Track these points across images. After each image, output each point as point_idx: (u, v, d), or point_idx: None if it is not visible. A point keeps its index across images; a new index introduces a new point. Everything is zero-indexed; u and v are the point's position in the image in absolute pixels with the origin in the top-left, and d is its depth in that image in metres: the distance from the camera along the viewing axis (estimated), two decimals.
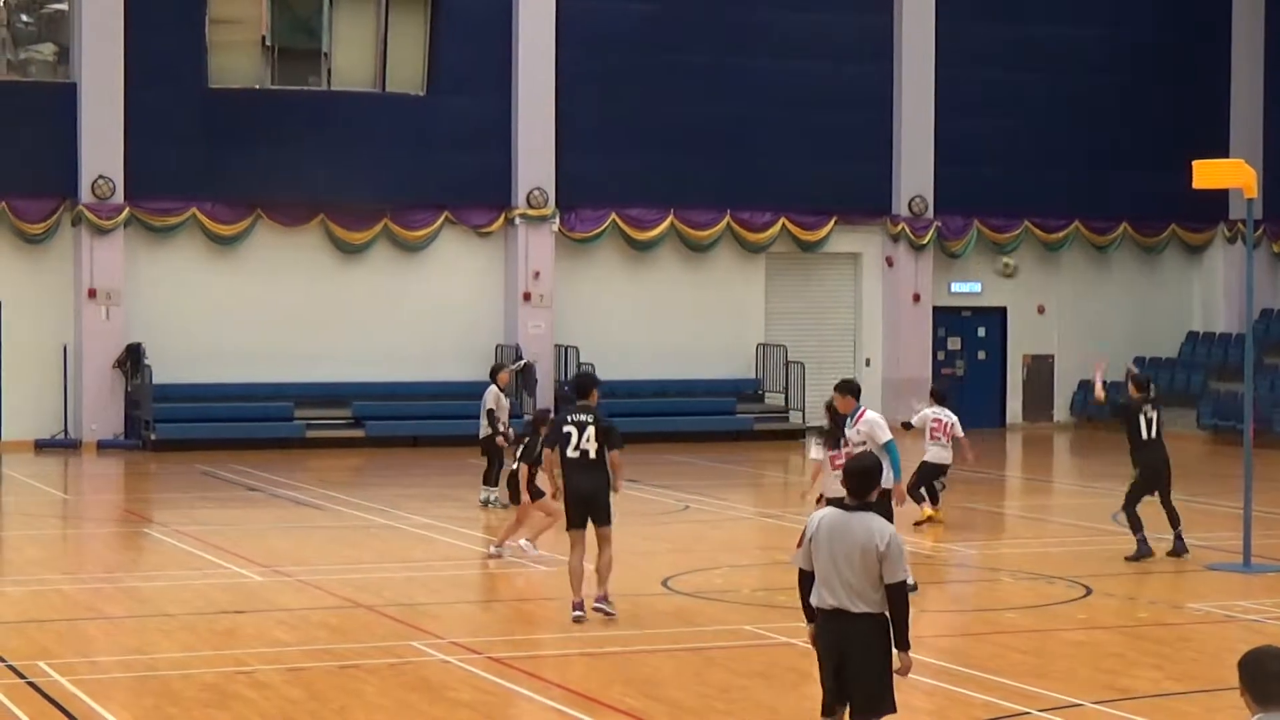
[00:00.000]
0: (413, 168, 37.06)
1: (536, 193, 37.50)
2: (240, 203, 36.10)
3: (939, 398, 23.98)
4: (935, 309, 40.69)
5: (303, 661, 14.98)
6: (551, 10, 37.53)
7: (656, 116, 38.34)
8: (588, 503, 16.79)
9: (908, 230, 39.99)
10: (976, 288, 41.45)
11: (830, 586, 10.22)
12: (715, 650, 15.49)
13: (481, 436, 25.52)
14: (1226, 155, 37.76)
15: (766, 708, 13.34)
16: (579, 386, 17.55)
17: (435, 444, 34.33)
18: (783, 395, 38.81)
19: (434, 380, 36.84)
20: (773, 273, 39.95)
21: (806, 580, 10.44)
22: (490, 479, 25.50)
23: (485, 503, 25.43)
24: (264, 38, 36.77)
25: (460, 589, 19.19)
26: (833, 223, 39.74)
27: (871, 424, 18.89)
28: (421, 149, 37.08)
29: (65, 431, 35.28)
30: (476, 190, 37.54)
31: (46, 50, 36.53)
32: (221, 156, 35.91)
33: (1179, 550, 20.77)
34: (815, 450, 18.76)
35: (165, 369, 35.11)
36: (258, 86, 36.61)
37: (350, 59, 37.34)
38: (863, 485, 10.35)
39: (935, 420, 23.43)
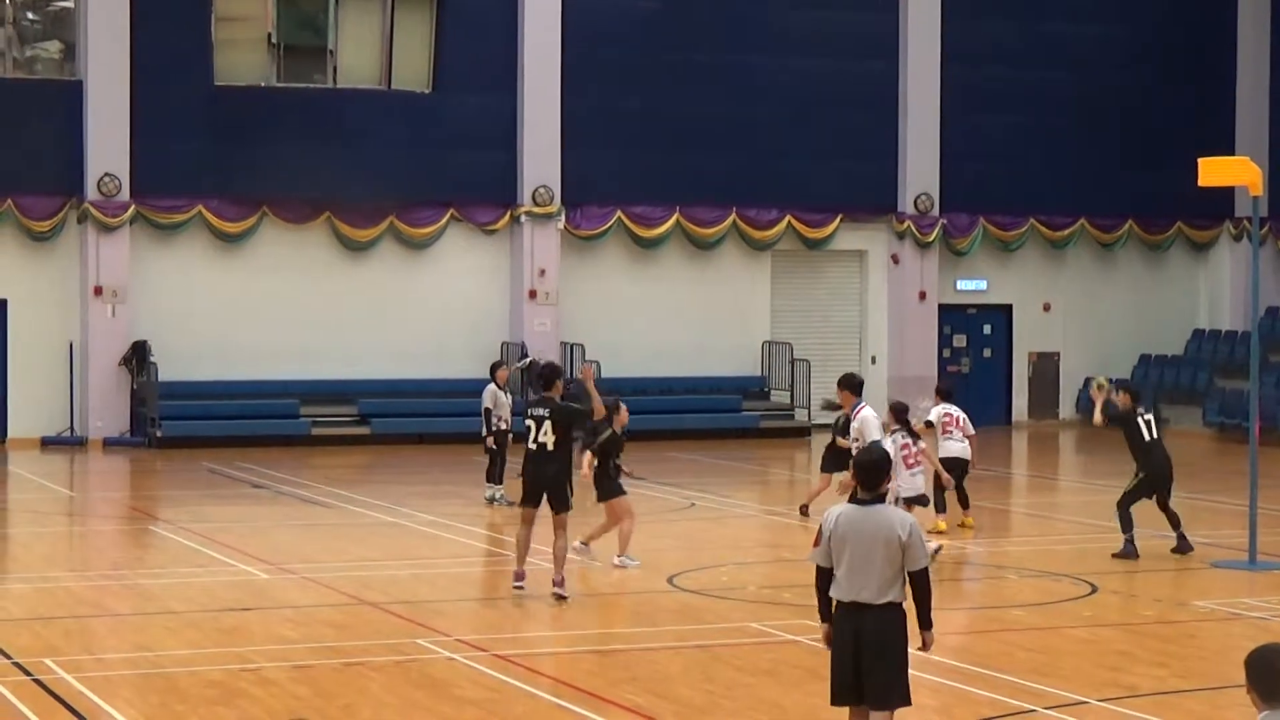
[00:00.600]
0: (418, 165, 37.06)
1: (542, 190, 37.51)
2: (246, 200, 36.11)
3: (945, 395, 23.95)
4: (941, 306, 40.68)
5: (308, 659, 14.98)
6: (557, 8, 37.53)
7: (662, 114, 38.34)
8: (548, 490, 17.71)
9: (913, 228, 39.98)
10: (982, 285, 41.44)
11: (852, 580, 10.29)
12: (721, 647, 15.49)
13: (482, 435, 25.51)
14: (1232, 153, 37.72)
15: (773, 705, 13.34)
16: (542, 379, 18.36)
17: (441, 441, 34.34)
18: (788, 393, 38.80)
19: (440, 378, 36.84)
20: (778, 270, 39.95)
21: (825, 577, 10.48)
22: (493, 476, 25.49)
23: (491, 500, 25.44)
24: (270, 35, 36.79)
25: (466, 586, 19.19)
26: (838, 220, 39.73)
27: (863, 421, 19.05)
28: (427, 147, 37.09)
29: (71, 429, 35.31)
30: (482, 188, 37.55)
31: (52, 48, 36.56)
32: (227, 154, 35.93)
33: (1184, 548, 20.76)
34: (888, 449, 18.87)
35: (171, 366, 35.13)
36: (263, 84, 36.63)
37: (356, 57, 37.35)
38: (873, 478, 10.43)
39: (947, 415, 23.39)
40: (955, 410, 23.51)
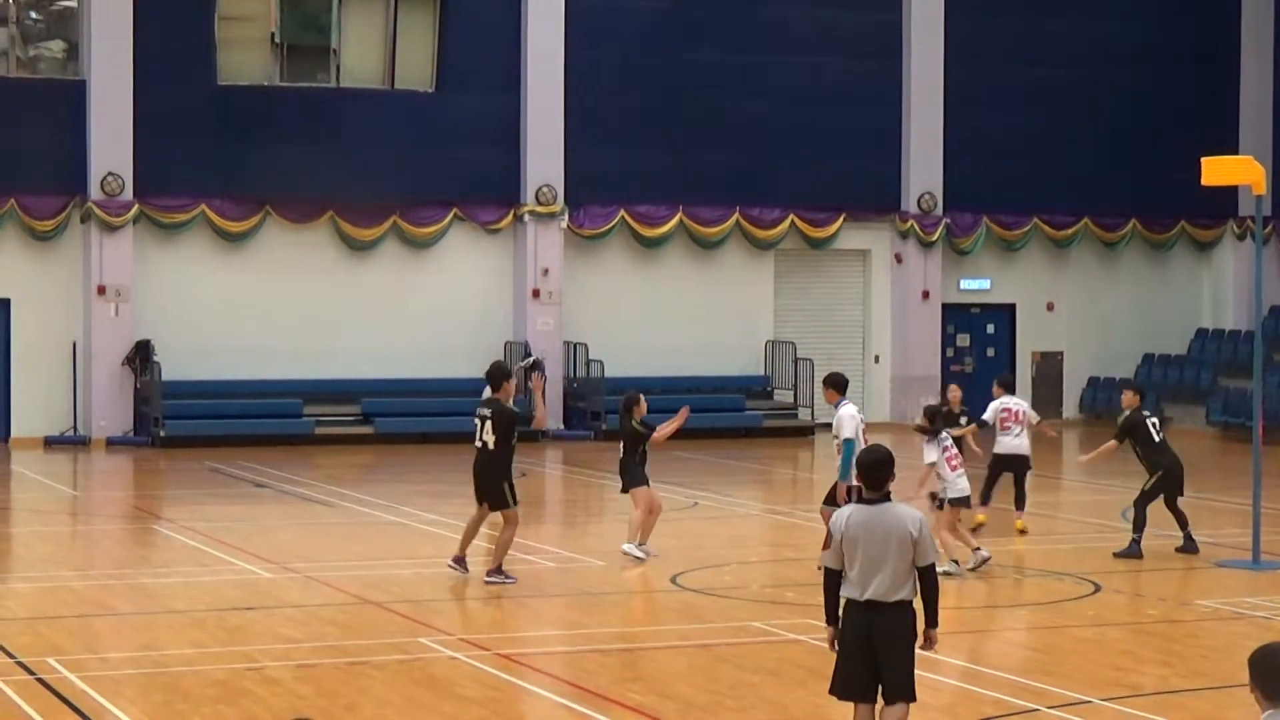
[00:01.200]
0: (422, 165, 37.07)
1: (545, 189, 37.51)
2: (249, 199, 36.13)
3: (1008, 386, 23.65)
4: (944, 306, 40.68)
5: (311, 658, 14.99)
6: (560, 7, 37.54)
7: (665, 113, 38.34)
8: (486, 489, 18.45)
9: (917, 227, 39.98)
10: (986, 284, 41.44)
11: (865, 580, 10.34)
12: (724, 647, 15.49)
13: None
14: (1236, 152, 37.73)
15: (776, 704, 13.33)
16: (490, 379, 18.93)
17: (444, 441, 34.31)
18: (792, 392, 38.80)
19: (443, 377, 36.84)
20: (782, 269, 39.95)
21: (834, 579, 10.51)
22: None
23: None
24: (273, 34, 36.80)
25: (469, 585, 19.19)
26: (842, 219, 39.74)
27: (838, 418, 19.03)
28: (430, 146, 37.10)
29: (75, 428, 35.32)
30: (485, 187, 37.55)
31: (56, 47, 36.57)
32: (230, 153, 35.94)
33: (1191, 549, 20.73)
34: (930, 453, 18.95)
35: (174, 365, 35.14)
36: (267, 83, 36.64)
37: (359, 56, 37.36)
38: (878, 477, 10.46)
39: (1005, 410, 22.96)
40: (1016, 403, 23.17)
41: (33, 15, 36.56)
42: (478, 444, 18.55)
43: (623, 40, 38.14)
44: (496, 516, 18.77)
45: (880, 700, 10.51)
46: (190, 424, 34.80)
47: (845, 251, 40.41)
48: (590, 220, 38.17)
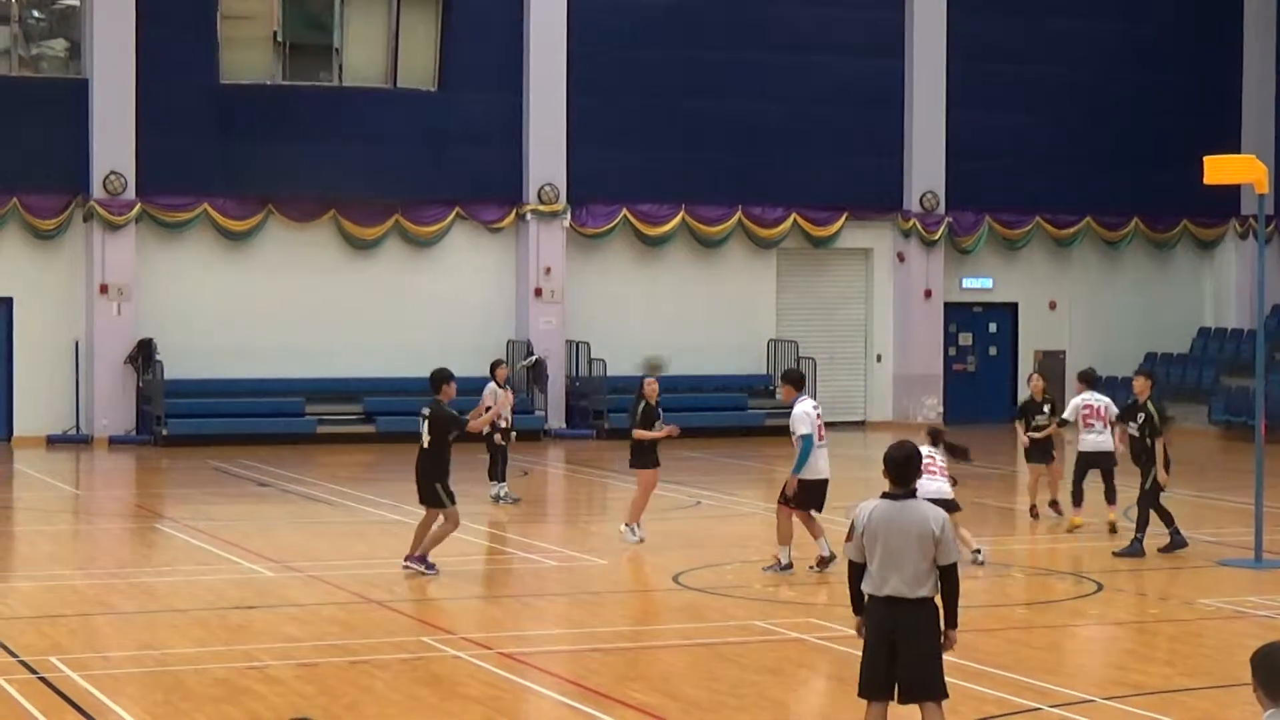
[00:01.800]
0: (424, 163, 37.08)
1: (547, 188, 37.51)
2: (251, 198, 36.13)
3: (1090, 381, 23.43)
4: (946, 304, 40.68)
5: (314, 656, 14.99)
6: (562, 6, 37.54)
7: (667, 112, 38.34)
8: (421, 490, 18.99)
9: (919, 226, 39.98)
10: (988, 283, 41.43)
11: (886, 575, 10.34)
12: (727, 646, 15.49)
13: (484, 434, 25.48)
14: (1238, 151, 37.72)
15: (778, 703, 13.33)
16: (431, 381, 19.57)
17: None
18: None
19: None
20: (784, 268, 39.95)
21: (857, 571, 10.55)
22: (495, 474, 25.51)
23: (496, 498, 25.44)
24: (275, 33, 36.80)
25: (471, 584, 19.19)
26: (844, 218, 39.73)
27: (794, 415, 18.97)
28: (433, 145, 37.10)
29: (77, 427, 35.33)
30: (487, 186, 37.56)
31: (58, 46, 36.58)
32: (233, 152, 35.95)
33: (1178, 544, 20.68)
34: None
35: (177, 364, 35.15)
36: (269, 82, 36.65)
37: (362, 55, 37.37)
38: (905, 473, 10.46)
39: (1087, 406, 22.71)
40: (1098, 399, 22.93)
41: (35, 14, 36.56)
42: (420, 443, 19.22)
43: (625, 39, 38.13)
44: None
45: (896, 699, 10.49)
46: (192, 423, 34.81)
47: (847, 250, 40.40)
48: (592, 219, 38.18)
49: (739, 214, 38.96)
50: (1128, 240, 41.93)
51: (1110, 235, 41.75)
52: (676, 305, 38.77)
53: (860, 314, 40.68)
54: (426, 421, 19.08)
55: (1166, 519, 20.77)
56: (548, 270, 37.54)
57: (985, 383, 41.37)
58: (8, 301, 35.31)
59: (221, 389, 35.67)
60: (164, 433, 34.65)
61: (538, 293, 37.49)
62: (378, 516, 24.38)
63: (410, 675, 14.22)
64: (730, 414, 37.91)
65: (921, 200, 40.06)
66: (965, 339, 41.62)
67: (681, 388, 37.99)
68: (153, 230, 35.68)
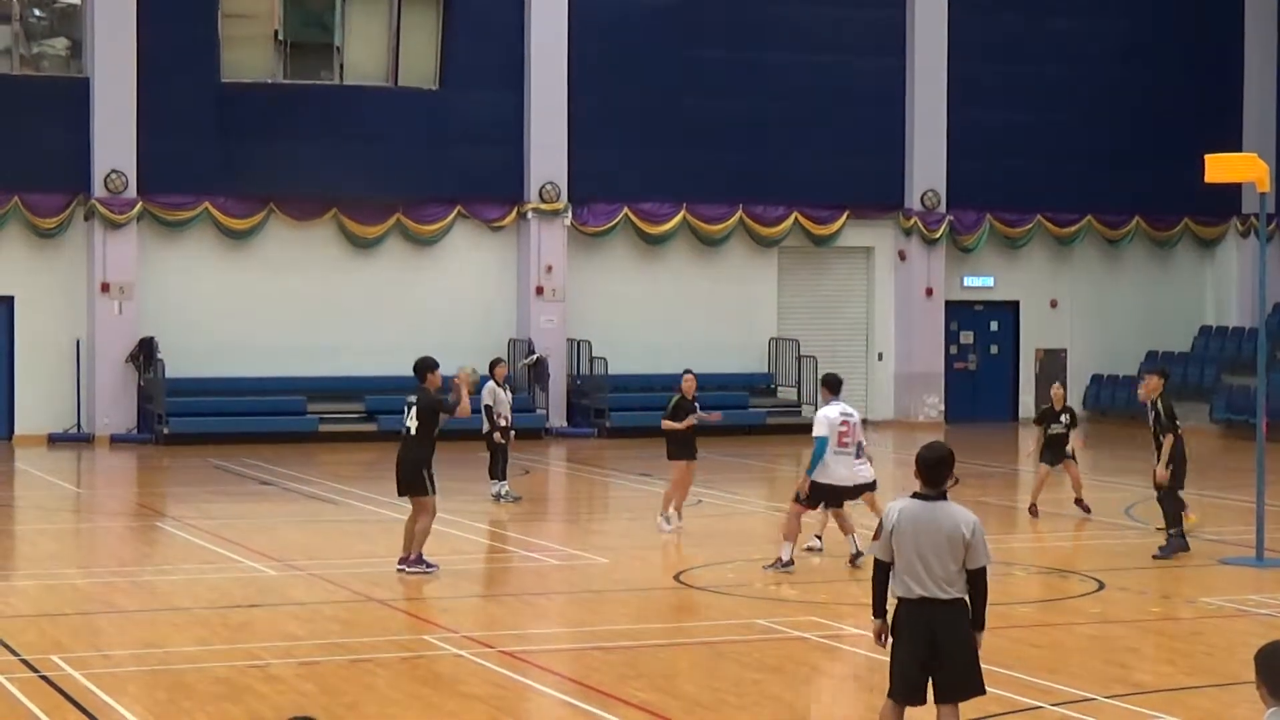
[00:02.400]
0: (425, 162, 37.08)
1: (549, 187, 37.51)
2: (253, 197, 36.14)
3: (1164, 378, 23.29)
4: (948, 303, 40.68)
5: (315, 655, 14.99)
6: (563, 4, 37.54)
7: (668, 111, 38.34)
8: (404, 477, 18.98)
9: (920, 224, 39.97)
10: (989, 281, 41.43)
11: (917, 576, 10.32)
12: (728, 644, 15.49)
13: (484, 432, 25.51)
14: (1239, 149, 37.72)
15: (780, 701, 13.33)
16: (416, 371, 19.74)
17: (447, 438, 34.19)
18: (795, 389, 38.79)
19: (447, 374, 36.68)
20: (785, 267, 39.95)
21: (883, 571, 10.52)
22: (496, 473, 25.51)
23: (498, 496, 25.44)
24: (276, 32, 36.80)
25: (472, 583, 19.20)
26: (845, 217, 39.73)
27: (816, 417, 19.81)
28: (434, 143, 37.10)
29: (78, 426, 35.34)
30: (489, 184, 37.55)
31: (59, 45, 36.57)
32: (234, 151, 35.95)
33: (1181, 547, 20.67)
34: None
35: (178, 363, 35.15)
36: (270, 81, 36.65)
37: (363, 53, 37.36)
38: (937, 474, 10.44)
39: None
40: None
41: (36, 13, 36.56)
42: (403, 430, 19.34)
43: (626, 37, 38.13)
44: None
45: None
46: (194, 421, 34.81)
47: (849, 249, 40.40)
48: (594, 218, 38.17)
49: (740, 213, 38.96)
50: (1129, 239, 41.92)
51: (1111, 234, 41.74)
52: (678, 304, 38.77)
53: (861, 312, 40.68)
54: (413, 409, 19.20)
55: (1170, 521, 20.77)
56: (549, 269, 37.54)
57: (986, 381, 41.37)
58: (9, 300, 35.32)
59: (223, 387, 35.67)
60: (165, 431, 34.65)
61: (539, 291, 37.49)
62: (379, 515, 24.38)
63: (411, 674, 14.22)
64: (731, 413, 37.77)
65: (923, 199, 40.06)
66: (966, 337, 41.62)
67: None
68: (154, 229, 35.68)
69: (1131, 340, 41.63)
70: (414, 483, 18.96)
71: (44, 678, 13.90)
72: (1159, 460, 20.43)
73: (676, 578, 18.91)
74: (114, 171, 35.07)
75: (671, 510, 22.35)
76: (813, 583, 18.83)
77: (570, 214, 37.80)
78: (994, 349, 41.86)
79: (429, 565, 18.94)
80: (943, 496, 10.44)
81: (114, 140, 35.15)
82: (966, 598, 10.43)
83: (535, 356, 35.71)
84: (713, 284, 39.13)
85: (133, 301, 35.26)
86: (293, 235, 36.66)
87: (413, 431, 19.12)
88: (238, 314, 36.15)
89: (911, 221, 39.96)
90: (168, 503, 27.48)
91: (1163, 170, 40.50)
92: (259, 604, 17.35)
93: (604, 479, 30.39)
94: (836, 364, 39.72)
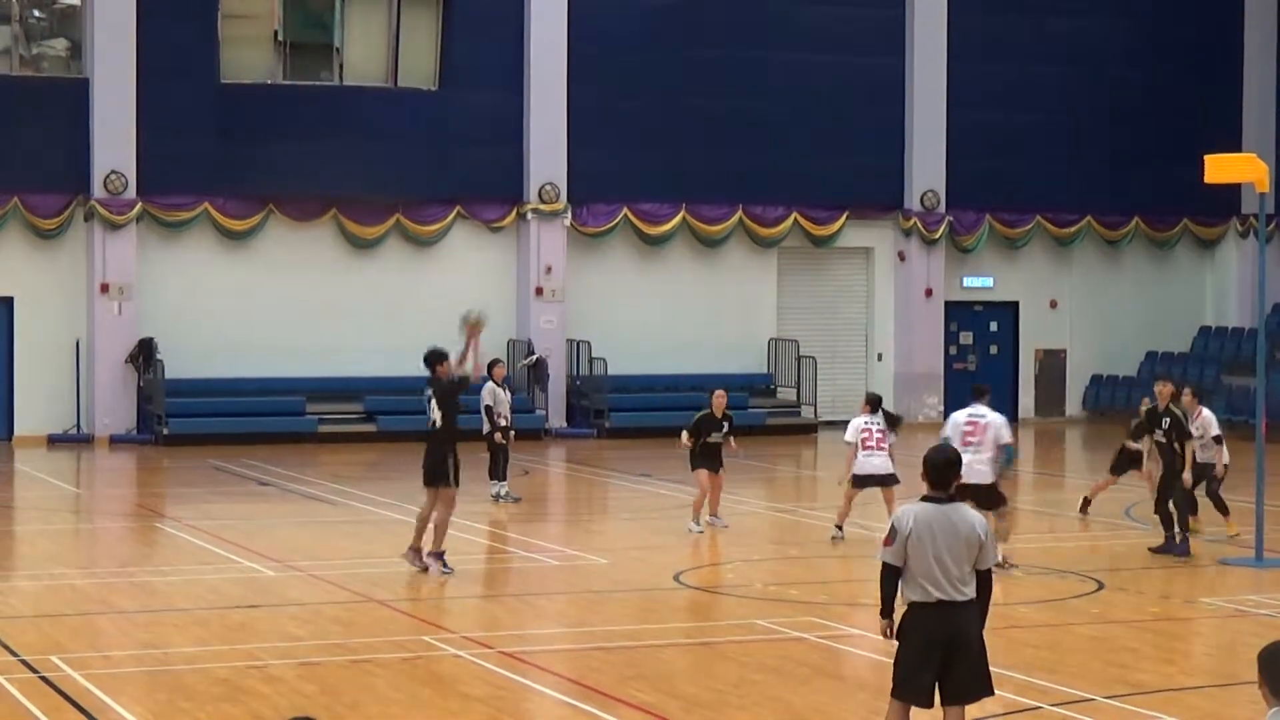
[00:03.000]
0: (425, 163, 37.07)
1: (548, 187, 37.51)
2: (252, 198, 36.14)
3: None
4: (947, 303, 40.67)
5: (315, 656, 14.99)
6: (563, 4, 37.54)
7: (668, 111, 38.34)
8: (432, 468, 18.99)
9: (920, 225, 39.97)
10: (988, 282, 41.42)
11: (933, 579, 10.32)
12: (728, 644, 15.49)
13: (484, 432, 25.50)
14: (1239, 150, 37.72)
15: (780, 701, 13.33)
16: (426, 363, 19.54)
17: None
18: (795, 390, 38.79)
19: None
20: (785, 267, 39.95)
21: (892, 575, 10.48)
22: (496, 474, 25.51)
23: (497, 497, 25.44)
24: (276, 33, 36.80)
25: (472, 583, 19.19)
26: (845, 217, 39.73)
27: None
28: (433, 144, 37.09)
29: (78, 426, 35.33)
30: (488, 185, 37.55)
31: (59, 45, 36.57)
32: (233, 151, 35.94)
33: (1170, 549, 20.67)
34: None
35: (178, 364, 35.15)
36: (270, 81, 36.65)
37: (362, 54, 37.36)
38: (946, 476, 10.44)
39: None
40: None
41: (36, 14, 36.56)
42: (428, 426, 19.30)
43: (625, 38, 38.12)
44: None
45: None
46: (193, 422, 34.81)
47: (848, 249, 40.40)
48: (593, 218, 38.18)
49: (739, 213, 38.96)
50: (1128, 239, 41.92)
51: (1111, 234, 41.74)
52: (677, 304, 38.77)
53: (861, 313, 40.68)
54: (433, 400, 19.13)
55: (1168, 523, 20.75)
56: (548, 269, 37.54)
57: (986, 381, 41.23)
58: (9, 301, 35.32)
59: (222, 388, 35.67)
60: (165, 432, 34.65)
61: (538, 292, 37.49)
62: (379, 515, 24.38)
63: (411, 674, 14.22)
64: (731, 413, 37.78)
65: (922, 199, 40.06)
66: (966, 338, 41.62)
67: (682, 386, 38.01)
68: (153, 229, 35.68)
69: (1131, 341, 41.64)
70: (437, 473, 18.97)
71: (43, 678, 13.90)
72: (1184, 467, 20.48)
73: (676, 578, 18.91)
74: (114, 172, 35.07)
75: (705, 516, 22.57)
76: (813, 583, 18.83)
77: (570, 214, 37.80)
78: (993, 349, 41.86)
79: (447, 567, 18.87)
80: (951, 499, 10.44)
81: (114, 141, 35.16)
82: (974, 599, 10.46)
83: (535, 357, 35.69)
84: (712, 284, 39.13)
85: (132, 302, 35.26)
86: (292, 236, 36.66)
87: (438, 424, 19.13)
88: (237, 314, 36.15)
89: (911, 222, 39.96)
90: (167, 503, 27.48)
91: (1162, 170, 40.51)
92: (258, 604, 17.34)
93: (604, 479, 30.39)
94: (836, 365, 39.91)
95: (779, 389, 39.24)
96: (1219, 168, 21.03)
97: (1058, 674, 14.18)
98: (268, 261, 36.51)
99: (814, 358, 38.51)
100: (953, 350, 41.30)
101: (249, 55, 36.70)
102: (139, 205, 35.22)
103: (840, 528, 21.52)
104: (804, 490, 31.25)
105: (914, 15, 39.93)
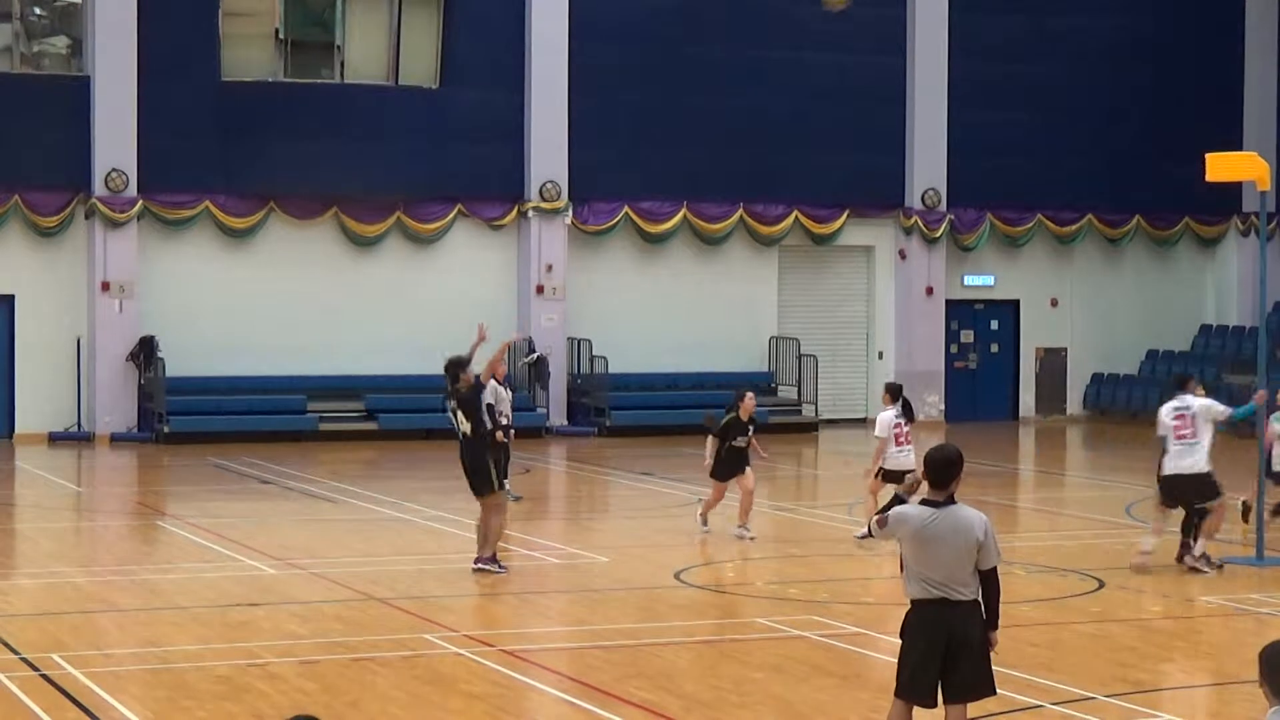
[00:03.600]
0: (425, 161, 37.06)
1: (549, 185, 37.51)
2: (253, 196, 36.14)
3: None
4: (948, 302, 40.67)
5: (316, 654, 14.99)
6: (563, 3, 37.54)
7: (669, 109, 38.33)
8: (472, 474, 18.83)
9: (920, 223, 39.97)
10: (989, 280, 41.42)
11: (933, 578, 10.34)
12: (728, 643, 15.50)
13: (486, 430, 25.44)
14: (1240, 148, 37.69)
15: (780, 700, 13.33)
16: (448, 373, 19.19)
17: (448, 437, 34.12)
18: (795, 388, 38.78)
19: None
20: (785, 266, 39.94)
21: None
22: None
23: None
24: (277, 30, 36.79)
25: (473, 582, 19.19)
26: (845, 215, 39.72)
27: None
28: (434, 142, 37.08)
29: (79, 424, 35.34)
30: (489, 183, 37.55)
31: (60, 43, 36.57)
32: (234, 149, 35.94)
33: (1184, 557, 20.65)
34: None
35: (178, 362, 35.15)
36: (271, 79, 36.64)
37: (363, 52, 37.36)
38: (946, 475, 10.44)
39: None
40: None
41: (37, 11, 36.55)
42: (459, 434, 19.12)
43: (627, 36, 38.11)
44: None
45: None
46: (194, 420, 34.81)
47: (849, 248, 40.40)
48: (594, 216, 38.17)
49: (740, 211, 38.95)
50: (1129, 238, 41.92)
51: (1112, 233, 41.73)
52: (678, 302, 38.76)
53: (862, 311, 40.67)
54: (459, 411, 18.91)
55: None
56: (549, 267, 37.54)
57: (987, 380, 41.36)
58: (10, 299, 35.32)
59: (223, 386, 35.67)
60: (165, 430, 34.66)
61: (539, 290, 37.49)
62: (379, 514, 24.39)
63: (412, 673, 14.22)
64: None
65: (923, 197, 40.05)
66: (967, 336, 41.61)
67: (683, 385, 38.08)
68: (154, 227, 35.68)
69: (1132, 339, 41.64)
70: (482, 476, 18.81)
71: (44, 676, 13.90)
72: None
73: (677, 576, 18.92)
74: (114, 170, 35.07)
75: (747, 522, 21.74)
76: (814, 581, 18.84)
77: (570, 212, 37.80)
78: (994, 348, 41.85)
79: (500, 565, 18.89)
80: (951, 500, 10.43)
81: (114, 139, 35.15)
82: (979, 598, 10.45)
83: (535, 355, 35.68)
84: (713, 283, 39.12)
85: (133, 300, 35.27)
86: (293, 234, 36.66)
87: (467, 433, 18.91)
88: (238, 312, 36.15)
89: (912, 220, 39.96)
90: (168, 501, 27.49)
91: (1163, 169, 40.50)
92: (259, 603, 17.35)
93: (604, 478, 30.39)
94: (837, 363, 39.91)
95: (780, 387, 39.23)
96: (1220, 166, 21.03)
97: (1058, 672, 14.19)
98: (269, 259, 36.51)
99: (815, 356, 38.52)
100: (953, 349, 41.29)
101: (250, 53, 36.69)
102: (140, 203, 35.22)
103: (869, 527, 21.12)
104: (805, 489, 31.23)
105: (914, 15, 39.91)
